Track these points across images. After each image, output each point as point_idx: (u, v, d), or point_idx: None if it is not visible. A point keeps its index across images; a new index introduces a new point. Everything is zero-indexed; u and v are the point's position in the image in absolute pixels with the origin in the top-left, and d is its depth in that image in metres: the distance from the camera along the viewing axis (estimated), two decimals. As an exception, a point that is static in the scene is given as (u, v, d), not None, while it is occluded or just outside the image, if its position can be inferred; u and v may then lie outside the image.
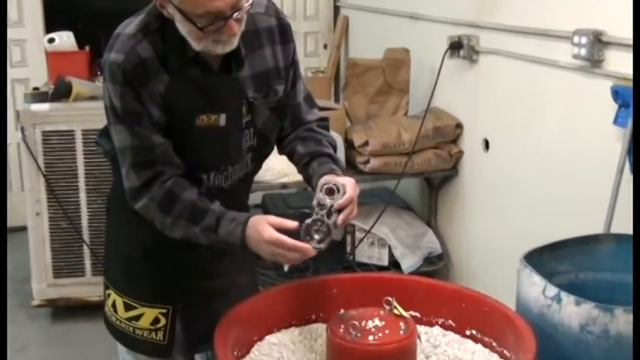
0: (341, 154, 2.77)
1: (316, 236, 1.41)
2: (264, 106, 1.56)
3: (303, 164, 1.61)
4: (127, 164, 1.47)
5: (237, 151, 1.56)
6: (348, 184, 1.46)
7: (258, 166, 1.66)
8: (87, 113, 2.89)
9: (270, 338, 1.57)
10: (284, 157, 1.71)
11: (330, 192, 1.45)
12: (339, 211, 1.44)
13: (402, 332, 1.43)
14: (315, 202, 1.44)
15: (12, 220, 3.24)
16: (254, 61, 1.53)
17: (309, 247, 1.39)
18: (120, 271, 1.67)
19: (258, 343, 1.55)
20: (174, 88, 1.44)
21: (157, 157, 1.46)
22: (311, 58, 4.23)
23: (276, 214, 1.46)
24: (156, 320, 1.64)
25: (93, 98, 2.91)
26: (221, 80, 1.49)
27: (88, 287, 3.01)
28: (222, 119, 1.49)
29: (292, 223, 1.41)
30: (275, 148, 1.69)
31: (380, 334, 1.43)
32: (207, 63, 1.47)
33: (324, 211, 1.43)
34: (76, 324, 3.03)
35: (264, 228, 1.40)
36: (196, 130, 1.48)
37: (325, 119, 1.69)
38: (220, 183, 1.56)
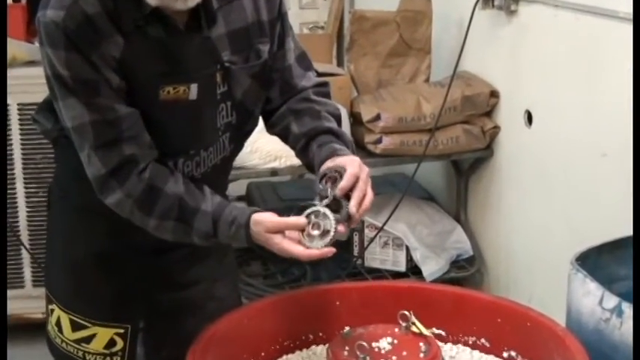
0: (345, 131, 2.76)
1: (315, 232, 1.42)
2: (243, 72, 1.55)
3: (300, 148, 1.61)
4: (88, 146, 1.47)
5: (212, 131, 1.56)
6: (349, 162, 1.47)
7: (237, 147, 1.66)
8: (25, 83, 2.87)
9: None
10: (273, 137, 1.70)
11: (333, 181, 1.46)
12: (348, 197, 1.44)
13: (422, 355, 1.44)
14: (317, 199, 1.46)
15: None
16: (230, 15, 1.52)
17: (329, 250, 1.42)
18: (65, 281, 1.67)
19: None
20: (131, 52, 1.43)
21: (123, 133, 1.46)
22: (307, 10, 4.22)
23: (266, 209, 1.47)
24: (111, 343, 1.64)
25: (32, 63, 2.90)
26: (189, 41, 1.49)
27: (29, 301, 3.01)
28: (193, 91, 1.49)
29: (297, 222, 1.43)
30: (259, 126, 1.69)
31: (394, 358, 1.43)
32: (170, 20, 1.46)
33: (326, 202, 1.43)
34: (14, 347, 3.01)
35: (275, 242, 1.43)
36: (160, 106, 1.48)
37: (324, 84, 1.68)
38: (191, 171, 1.56)
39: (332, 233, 1.41)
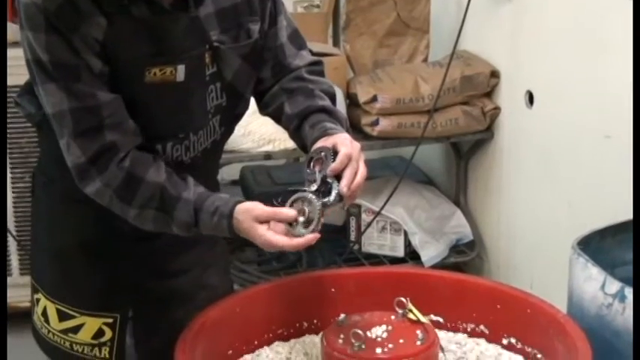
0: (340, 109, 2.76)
1: (300, 219, 1.42)
2: (233, 52, 1.55)
3: (293, 129, 1.61)
4: (67, 134, 1.46)
5: (201, 113, 1.56)
6: (339, 141, 1.46)
7: (228, 130, 1.65)
8: (9, 64, 2.87)
9: (249, 355, 1.58)
10: (267, 119, 1.70)
11: (320, 163, 1.46)
12: (338, 178, 1.44)
13: (419, 343, 1.44)
14: (306, 184, 1.45)
15: None
16: None
17: (314, 237, 1.41)
18: (51, 270, 1.67)
19: None
20: (115, 34, 1.42)
21: (104, 120, 1.45)
22: (302, -12, 4.20)
23: (259, 193, 1.46)
24: (99, 333, 1.64)
25: (15, 45, 2.88)
26: (175, 20, 1.48)
27: (16, 290, 3.01)
28: (181, 72, 1.48)
29: (288, 214, 1.42)
30: (252, 108, 1.68)
31: (390, 346, 1.43)
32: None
33: (315, 187, 1.43)
34: (1, 337, 3.04)
35: (256, 231, 1.41)
36: (146, 88, 1.47)
37: (318, 62, 1.68)
38: (180, 156, 1.56)
39: (316, 221, 1.41)
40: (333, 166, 1.44)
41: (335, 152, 1.45)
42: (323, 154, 1.46)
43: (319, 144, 1.50)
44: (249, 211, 1.43)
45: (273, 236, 1.41)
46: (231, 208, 1.45)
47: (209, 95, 1.55)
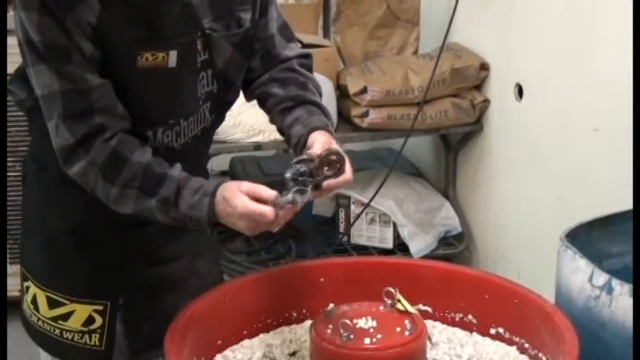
0: (331, 104, 2.77)
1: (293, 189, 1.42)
2: (225, 40, 1.56)
3: (281, 109, 1.61)
4: (56, 116, 1.46)
5: (192, 100, 1.56)
6: (348, 164, 1.47)
7: (218, 118, 1.66)
8: (0, 53, 2.85)
9: (239, 345, 1.58)
10: (257, 110, 1.70)
11: (331, 164, 1.46)
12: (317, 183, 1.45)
13: (407, 333, 1.44)
14: (298, 161, 1.44)
15: None
16: None
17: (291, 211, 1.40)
18: (41, 257, 1.67)
19: (224, 351, 1.56)
20: (108, 17, 1.42)
21: (93, 104, 1.45)
22: (293, -21, 4.19)
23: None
24: (90, 320, 1.64)
25: (9, 33, 2.87)
26: (168, 6, 1.48)
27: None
28: (172, 58, 1.49)
29: (269, 193, 1.41)
30: (242, 99, 1.69)
31: (379, 336, 1.43)
32: None
33: (313, 182, 1.43)
34: (-10, 327, 3.03)
35: (236, 198, 1.40)
36: (138, 73, 1.47)
37: (307, 56, 1.69)
38: (170, 142, 1.56)
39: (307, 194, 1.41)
40: (333, 183, 1.45)
41: (342, 167, 1.46)
42: (338, 162, 1.46)
43: (333, 145, 1.49)
44: (235, 183, 1.43)
45: (257, 205, 1.39)
46: (216, 186, 1.44)
47: (200, 82, 1.56)
